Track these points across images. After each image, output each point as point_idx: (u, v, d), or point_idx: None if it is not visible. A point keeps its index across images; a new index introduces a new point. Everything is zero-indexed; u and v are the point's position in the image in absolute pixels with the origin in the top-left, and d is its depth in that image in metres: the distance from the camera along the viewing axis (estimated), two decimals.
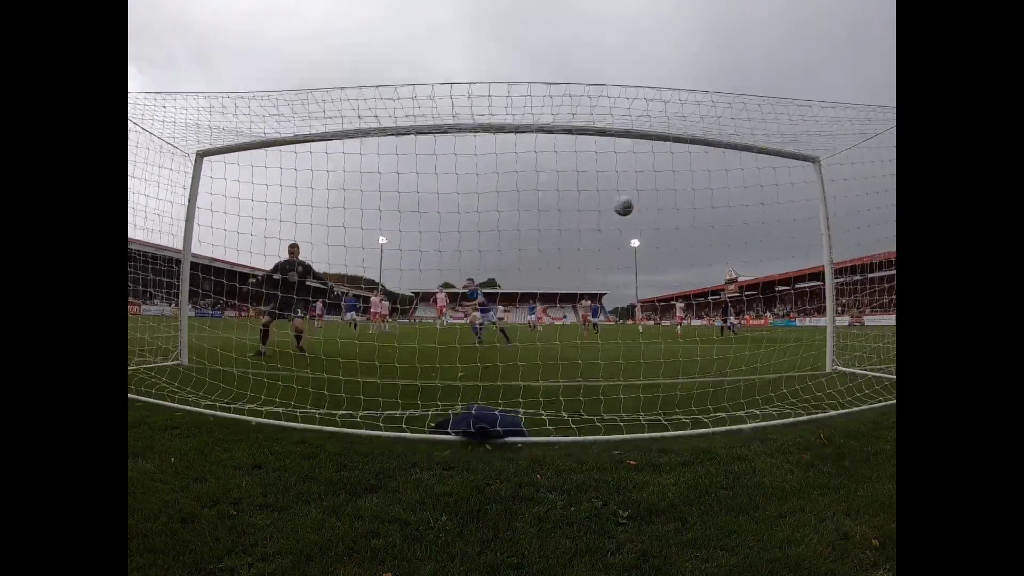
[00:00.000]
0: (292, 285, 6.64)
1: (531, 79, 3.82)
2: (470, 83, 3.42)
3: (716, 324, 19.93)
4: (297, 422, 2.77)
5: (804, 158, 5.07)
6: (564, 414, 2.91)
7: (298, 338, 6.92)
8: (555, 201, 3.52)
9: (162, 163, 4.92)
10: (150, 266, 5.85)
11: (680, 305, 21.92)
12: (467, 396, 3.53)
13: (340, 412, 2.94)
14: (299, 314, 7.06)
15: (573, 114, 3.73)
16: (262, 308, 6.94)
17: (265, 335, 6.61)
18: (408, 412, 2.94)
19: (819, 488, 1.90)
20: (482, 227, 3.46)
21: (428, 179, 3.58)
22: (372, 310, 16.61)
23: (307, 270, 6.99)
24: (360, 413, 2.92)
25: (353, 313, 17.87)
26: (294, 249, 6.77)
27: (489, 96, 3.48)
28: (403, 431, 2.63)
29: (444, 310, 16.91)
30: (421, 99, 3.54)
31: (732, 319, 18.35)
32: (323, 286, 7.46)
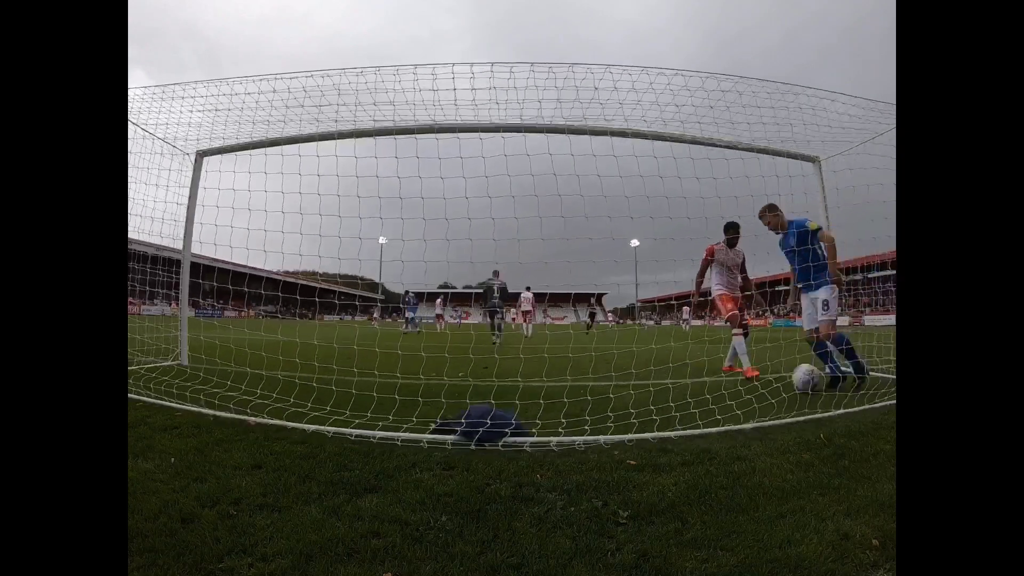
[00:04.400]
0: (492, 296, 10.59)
1: (532, 81, 3.83)
2: (471, 63, 3.43)
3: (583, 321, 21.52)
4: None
5: (804, 158, 5.07)
6: (578, 420, 2.91)
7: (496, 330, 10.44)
8: (557, 200, 3.51)
9: (162, 163, 4.93)
10: (148, 267, 5.84)
11: (687, 308, 23.83)
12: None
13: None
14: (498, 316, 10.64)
15: (582, 101, 3.73)
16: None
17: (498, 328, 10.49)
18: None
19: (819, 488, 1.90)
20: (484, 225, 3.45)
21: (427, 178, 3.57)
22: (523, 308, 14.06)
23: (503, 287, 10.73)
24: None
25: (412, 315, 17.52)
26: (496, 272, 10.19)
27: (492, 87, 3.49)
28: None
29: (532, 316, 14.14)
30: (423, 90, 3.55)
31: (598, 318, 20.42)
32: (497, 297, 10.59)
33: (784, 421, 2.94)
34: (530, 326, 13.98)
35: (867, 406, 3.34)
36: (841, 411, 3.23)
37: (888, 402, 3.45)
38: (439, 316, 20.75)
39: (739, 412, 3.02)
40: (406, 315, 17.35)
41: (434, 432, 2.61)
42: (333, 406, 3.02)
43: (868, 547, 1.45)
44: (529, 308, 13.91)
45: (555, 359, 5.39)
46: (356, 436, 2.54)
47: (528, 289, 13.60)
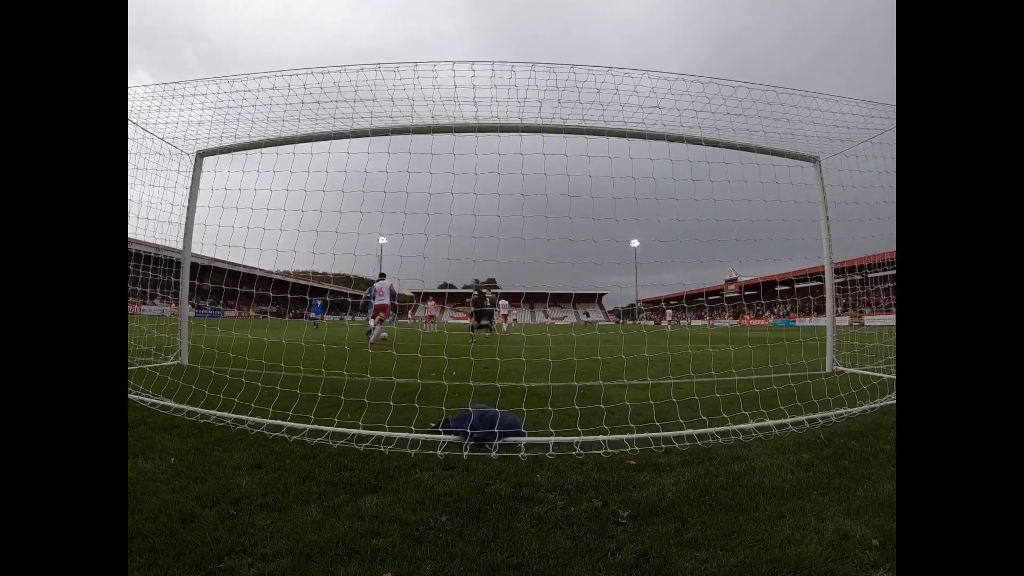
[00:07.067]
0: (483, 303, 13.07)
1: (533, 83, 3.85)
2: (472, 62, 3.42)
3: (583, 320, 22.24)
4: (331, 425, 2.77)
5: (804, 158, 5.07)
6: (581, 425, 2.91)
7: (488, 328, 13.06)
8: (557, 201, 3.49)
9: (162, 163, 4.92)
10: (148, 267, 5.82)
11: (669, 311, 25.30)
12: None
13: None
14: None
15: (580, 104, 3.71)
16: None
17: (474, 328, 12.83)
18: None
19: (819, 488, 1.90)
20: (483, 223, 3.43)
21: (429, 179, 3.56)
22: (501, 312, 17.20)
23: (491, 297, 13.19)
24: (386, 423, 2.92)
25: (316, 316, 20.14)
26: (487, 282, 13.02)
27: (493, 86, 3.47)
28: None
29: (508, 317, 17.89)
30: (425, 87, 3.54)
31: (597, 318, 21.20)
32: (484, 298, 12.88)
33: (784, 421, 2.94)
34: (505, 324, 17.54)
35: (867, 406, 3.34)
36: (841, 411, 3.23)
37: (888, 402, 3.45)
38: (430, 316, 20.99)
39: (746, 412, 3.02)
40: (311, 314, 20.08)
41: (434, 432, 2.61)
42: (345, 411, 3.02)
43: (868, 547, 1.45)
44: (505, 312, 17.88)
45: (558, 362, 5.39)
46: (365, 446, 2.54)
47: (503, 297, 17.44)
